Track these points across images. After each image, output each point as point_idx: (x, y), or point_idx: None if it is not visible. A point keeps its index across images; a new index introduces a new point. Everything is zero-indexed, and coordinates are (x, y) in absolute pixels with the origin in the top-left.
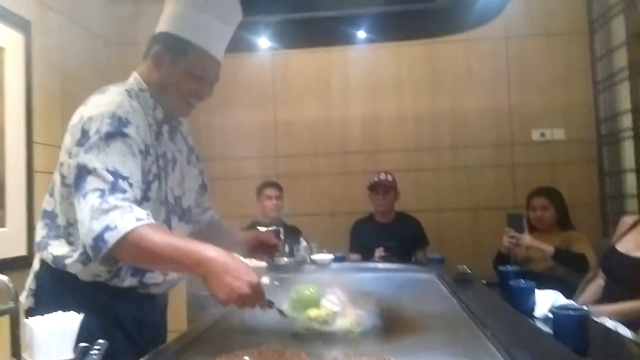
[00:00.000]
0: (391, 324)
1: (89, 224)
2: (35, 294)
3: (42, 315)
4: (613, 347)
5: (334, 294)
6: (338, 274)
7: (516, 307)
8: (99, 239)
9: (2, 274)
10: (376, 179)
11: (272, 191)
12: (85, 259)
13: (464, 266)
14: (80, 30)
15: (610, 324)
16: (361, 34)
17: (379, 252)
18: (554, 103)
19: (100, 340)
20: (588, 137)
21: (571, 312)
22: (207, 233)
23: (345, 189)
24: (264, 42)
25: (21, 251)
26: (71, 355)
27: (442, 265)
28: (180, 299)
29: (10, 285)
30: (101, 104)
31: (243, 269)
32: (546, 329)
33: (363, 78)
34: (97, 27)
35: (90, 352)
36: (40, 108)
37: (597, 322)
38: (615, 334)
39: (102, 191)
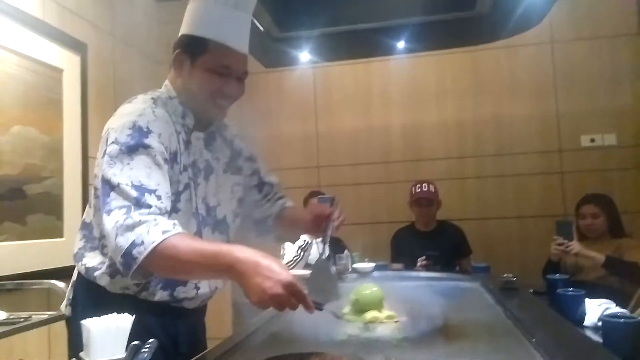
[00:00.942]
0: (434, 331)
1: (115, 241)
2: (72, 303)
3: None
4: None
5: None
6: (380, 282)
7: (565, 316)
8: (127, 255)
9: (59, 281)
10: (418, 190)
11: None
12: (112, 272)
13: (510, 274)
14: (132, 51)
15: None
16: (401, 44)
17: (421, 261)
18: (604, 108)
19: (151, 340)
20: None
21: (621, 320)
22: (276, 225)
23: (386, 198)
24: (305, 55)
25: None
26: (124, 354)
27: (487, 274)
28: (225, 307)
29: (67, 291)
30: (125, 114)
31: (275, 268)
32: (596, 338)
33: (404, 87)
34: (147, 47)
35: (142, 350)
36: (94, 125)
37: None
38: None
39: (127, 207)
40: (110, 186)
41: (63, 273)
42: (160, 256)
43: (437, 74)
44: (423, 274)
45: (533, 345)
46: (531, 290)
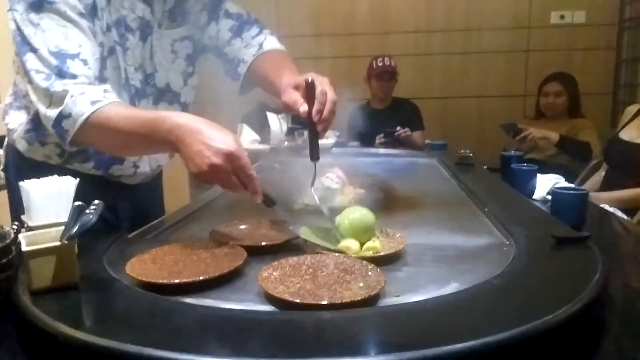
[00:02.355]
0: (390, 202)
1: (43, 110)
2: (5, 166)
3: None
4: (607, 225)
5: (333, 172)
6: (339, 157)
7: (517, 189)
8: (58, 127)
9: None
10: (380, 64)
11: None
12: (30, 138)
13: (467, 151)
14: None
15: (608, 210)
16: None
17: (379, 138)
18: None
19: (96, 201)
20: (609, 20)
21: (569, 191)
22: (248, 78)
23: (349, 73)
24: None
25: None
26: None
27: (445, 152)
28: (183, 182)
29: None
30: None
31: (218, 135)
32: (544, 209)
33: None
34: None
35: (86, 211)
36: None
37: (595, 205)
38: (612, 214)
39: (48, 75)
40: (28, 48)
41: None
42: (92, 129)
43: None
44: (382, 150)
45: (485, 214)
46: (485, 167)
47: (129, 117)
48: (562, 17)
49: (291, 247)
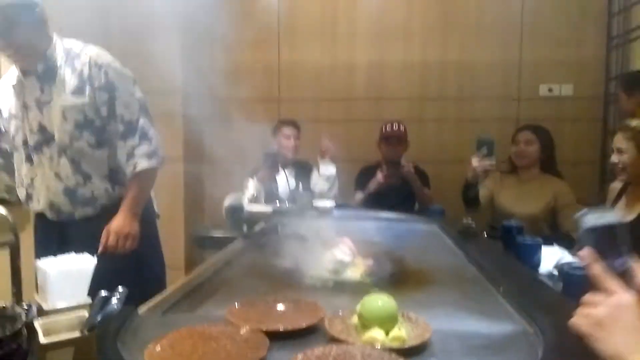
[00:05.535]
0: (401, 276)
1: None
2: None
3: None
4: None
5: (343, 243)
6: (340, 221)
7: (522, 262)
8: None
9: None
10: (389, 129)
11: (290, 130)
12: None
13: (469, 219)
14: None
15: None
16: None
17: (382, 171)
18: (566, 58)
19: (120, 288)
20: (596, 94)
21: (580, 272)
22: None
23: (347, 136)
24: None
25: None
26: (87, 299)
27: (443, 217)
28: (179, 236)
29: (9, 217)
30: None
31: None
32: (552, 284)
33: (371, 22)
34: None
35: (111, 300)
36: None
37: None
38: None
39: None
40: None
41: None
42: None
43: (406, 11)
44: (383, 214)
45: (501, 295)
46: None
47: None
48: (550, 90)
49: (312, 329)
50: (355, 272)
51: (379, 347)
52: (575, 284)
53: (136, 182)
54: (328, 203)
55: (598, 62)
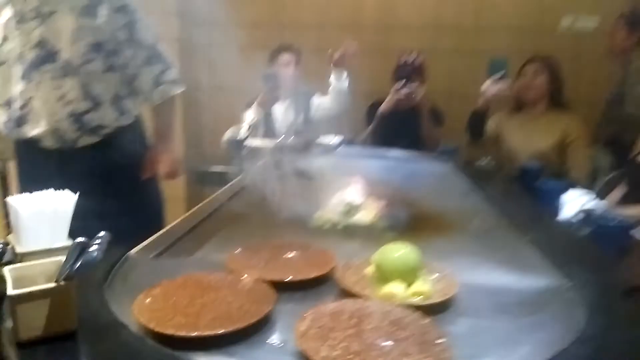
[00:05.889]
0: (419, 222)
1: None
2: None
3: None
4: None
5: (354, 183)
6: (347, 159)
7: (542, 206)
8: None
9: None
10: (401, 61)
11: (289, 56)
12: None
13: (488, 158)
14: None
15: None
16: None
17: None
18: None
19: (102, 233)
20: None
21: (613, 222)
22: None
23: (354, 67)
24: None
25: None
26: (67, 241)
27: (457, 156)
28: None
29: None
30: None
31: None
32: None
33: None
34: None
35: (90, 247)
36: None
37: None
38: None
39: None
40: None
41: None
42: None
43: None
44: (393, 153)
45: (529, 244)
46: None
47: None
48: (573, 21)
49: (322, 279)
50: (367, 215)
51: (399, 303)
52: (605, 235)
53: (169, 108)
54: (333, 139)
55: None
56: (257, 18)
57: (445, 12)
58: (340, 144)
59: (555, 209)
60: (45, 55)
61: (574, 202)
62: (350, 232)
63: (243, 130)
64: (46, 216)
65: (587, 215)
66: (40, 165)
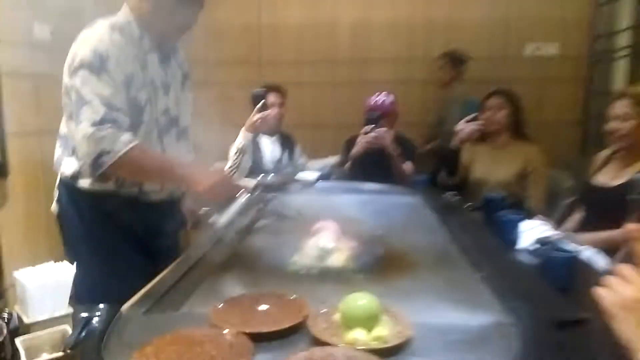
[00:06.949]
0: (384, 259)
1: (86, 149)
2: (58, 201)
3: (66, 220)
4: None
5: (327, 229)
6: (323, 195)
7: (501, 237)
8: (96, 162)
9: None
10: (370, 104)
11: (274, 97)
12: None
13: (453, 192)
14: None
15: (589, 252)
16: None
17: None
18: (552, 16)
19: (101, 306)
20: (581, 54)
21: (561, 254)
22: None
23: (332, 99)
24: None
25: None
26: (68, 309)
27: (429, 186)
28: None
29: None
30: (86, 39)
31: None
32: (530, 260)
33: None
34: None
35: (92, 320)
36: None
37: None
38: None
39: (97, 121)
40: (83, 102)
41: None
42: (125, 162)
43: None
44: (366, 186)
45: (482, 281)
46: (470, 205)
47: (153, 157)
48: (537, 48)
49: (297, 327)
50: (339, 258)
51: (360, 348)
52: (553, 264)
53: None
54: (312, 175)
55: (585, 20)
56: (235, 56)
57: (417, 44)
58: (318, 179)
59: (513, 239)
60: (169, 121)
61: (531, 232)
62: (324, 275)
63: (230, 154)
64: (49, 287)
65: (542, 245)
66: (135, 218)
